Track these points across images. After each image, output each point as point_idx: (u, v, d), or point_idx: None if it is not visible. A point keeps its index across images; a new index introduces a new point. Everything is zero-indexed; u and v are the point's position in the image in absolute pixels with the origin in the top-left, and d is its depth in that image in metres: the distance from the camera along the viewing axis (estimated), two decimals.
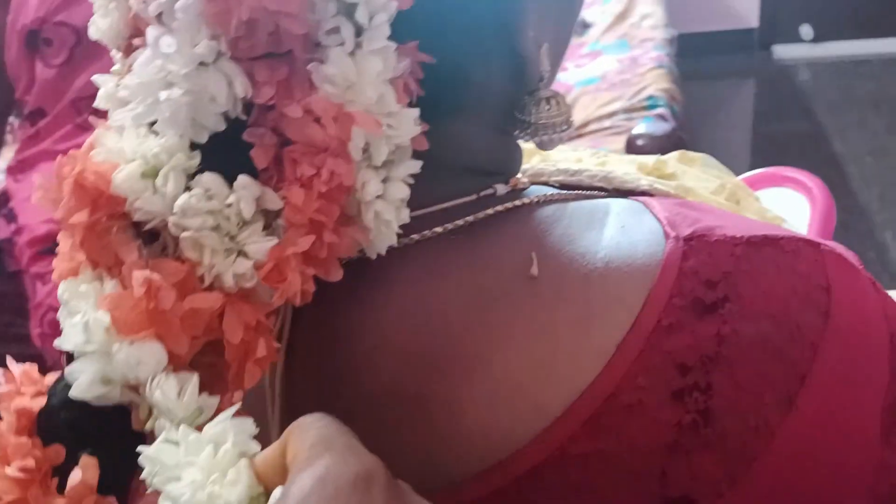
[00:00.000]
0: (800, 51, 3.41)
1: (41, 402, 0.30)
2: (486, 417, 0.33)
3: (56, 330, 0.34)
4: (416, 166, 0.33)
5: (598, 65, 1.93)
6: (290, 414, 0.36)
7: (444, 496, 0.33)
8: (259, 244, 0.31)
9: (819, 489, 0.32)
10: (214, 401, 0.30)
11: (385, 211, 0.32)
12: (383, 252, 0.34)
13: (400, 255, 0.35)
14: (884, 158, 2.52)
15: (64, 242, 0.32)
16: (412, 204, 0.34)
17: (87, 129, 1.32)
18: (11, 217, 1.39)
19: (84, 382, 0.29)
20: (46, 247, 1.27)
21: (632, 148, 1.36)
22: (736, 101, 3.32)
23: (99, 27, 0.34)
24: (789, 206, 0.94)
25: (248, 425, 0.28)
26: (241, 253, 0.31)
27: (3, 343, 1.40)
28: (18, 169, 1.41)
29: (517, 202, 0.37)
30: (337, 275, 0.32)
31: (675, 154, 0.80)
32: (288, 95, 0.30)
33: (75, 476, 0.29)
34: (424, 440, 0.34)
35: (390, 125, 0.31)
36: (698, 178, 0.74)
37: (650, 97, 1.66)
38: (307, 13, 0.29)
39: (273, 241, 0.31)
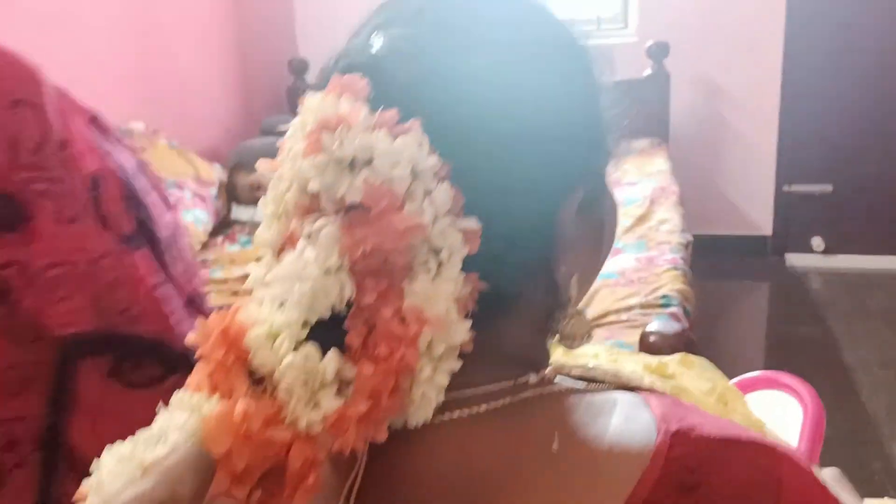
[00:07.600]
0: (811, 261, 3.55)
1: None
2: None
3: None
4: (458, 364, 0.42)
5: (617, 261, 2.00)
6: None
7: None
8: (331, 401, 0.39)
9: None
10: None
11: (429, 391, 0.41)
12: (419, 423, 0.41)
13: (450, 425, 0.43)
14: (893, 370, 2.58)
15: (199, 368, 0.41)
16: (463, 384, 0.42)
17: None
18: None
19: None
20: None
21: (644, 343, 1.41)
22: (749, 302, 3.41)
23: (262, 235, 0.44)
24: (782, 408, 1.01)
25: None
26: (317, 405, 0.39)
27: None
28: None
29: (545, 391, 0.45)
30: (382, 436, 0.40)
31: (677, 356, 0.91)
32: (384, 301, 0.40)
33: None
34: None
35: (449, 331, 0.41)
36: (694, 379, 0.85)
37: (664, 296, 1.72)
38: (409, 251, 0.40)
39: (341, 401, 0.39)
